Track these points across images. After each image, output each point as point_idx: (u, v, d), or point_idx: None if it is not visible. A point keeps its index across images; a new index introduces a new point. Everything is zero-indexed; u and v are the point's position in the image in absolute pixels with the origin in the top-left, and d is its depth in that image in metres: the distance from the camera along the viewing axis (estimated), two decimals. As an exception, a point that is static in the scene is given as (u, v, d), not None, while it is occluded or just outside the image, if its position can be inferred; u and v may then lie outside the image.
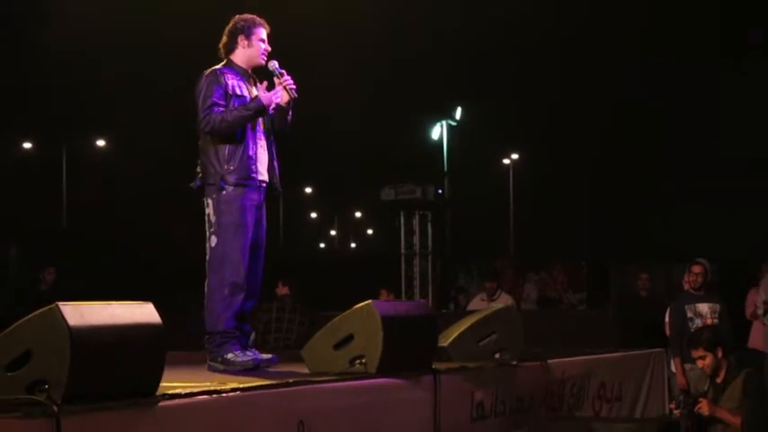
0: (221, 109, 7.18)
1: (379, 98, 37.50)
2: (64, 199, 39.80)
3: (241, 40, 7.44)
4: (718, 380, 8.51)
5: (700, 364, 8.62)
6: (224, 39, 7.50)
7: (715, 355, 8.47)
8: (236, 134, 7.21)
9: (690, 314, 11.45)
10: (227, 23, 7.52)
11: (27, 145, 41.14)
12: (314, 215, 66.54)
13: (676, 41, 36.22)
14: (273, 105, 7.29)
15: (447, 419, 7.10)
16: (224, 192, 7.17)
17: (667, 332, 11.89)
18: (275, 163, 7.51)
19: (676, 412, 8.72)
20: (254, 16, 7.54)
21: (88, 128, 41.34)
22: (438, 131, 22.52)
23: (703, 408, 8.37)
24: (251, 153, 7.24)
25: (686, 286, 11.87)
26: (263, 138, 7.42)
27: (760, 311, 11.71)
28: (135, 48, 29.29)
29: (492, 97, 38.42)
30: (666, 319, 11.97)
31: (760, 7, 33.07)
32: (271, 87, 7.50)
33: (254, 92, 7.41)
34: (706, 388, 8.63)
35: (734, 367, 8.53)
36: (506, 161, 48.41)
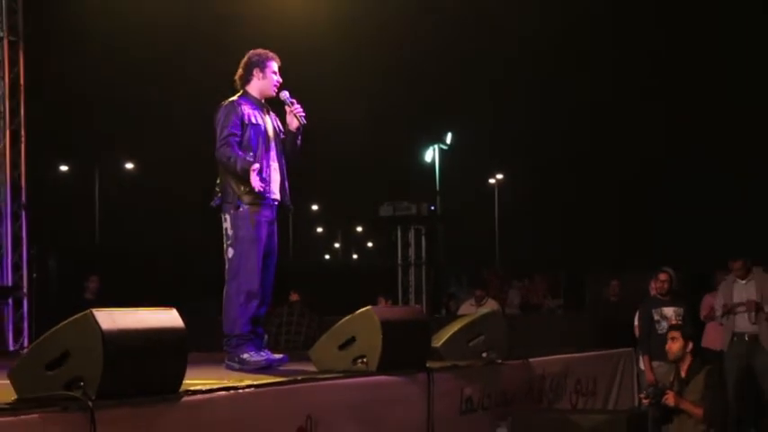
0: (237, 138, 7.17)
1: (378, 125, 37.55)
2: (97, 216, 39.83)
3: (256, 73, 7.43)
4: (683, 374, 8.59)
5: (669, 345, 8.75)
6: (240, 71, 7.49)
7: (685, 345, 8.63)
8: (252, 158, 7.21)
9: (656, 317, 11.47)
10: (243, 57, 7.51)
11: (64, 168, 41.18)
12: (320, 230, 66.40)
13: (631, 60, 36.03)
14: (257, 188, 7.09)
15: (439, 412, 7.10)
16: (240, 209, 7.18)
17: (636, 333, 11.90)
18: (286, 183, 7.51)
19: (645, 402, 8.77)
20: (268, 51, 7.53)
21: (118, 152, 41.41)
22: (431, 154, 22.49)
23: (669, 399, 8.45)
24: (264, 176, 7.23)
25: (653, 292, 11.92)
26: (275, 159, 7.40)
27: (718, 314, 11.70)
28: (160, 79, 29.31)
29: (479, 124, 38.46)
30: (635, 322, 11.98)
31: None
32: (282, 116, 7.53)
33: (267, 120, 7.42)
34: (671, 380, 8.67)
35: (697, 364, 8.60)
36: (492, 181, 48.45)
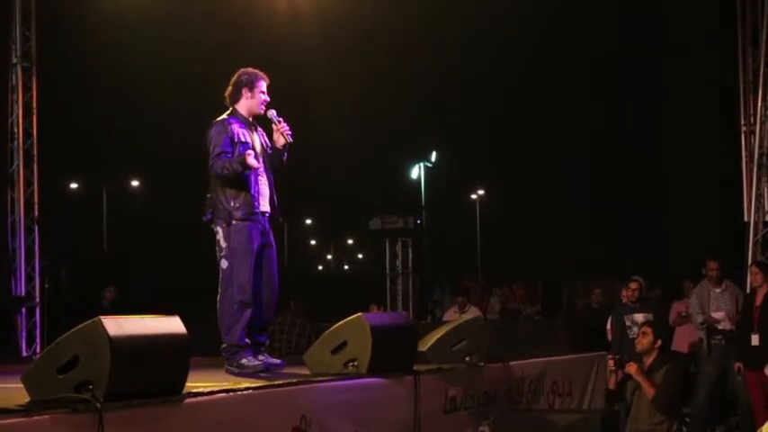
0: (229, 156, 7.08)
1: (367, 144, 37.62)
2: (104, 230, 39.84)
3: (245, 92, 7.30)
4: (645, 367, 8.70)
5: (639, 338, 8.88)
6: (229, 89, 7.36)
7: (654, 341, 8.73)
8: (241, 175, 7.15)
9: (628, 323, 11.47)
10: (233, 75, 7.40)
11: (73, 185, 41.19)
12: (313, 242, 66.35)
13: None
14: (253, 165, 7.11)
15: (425, 412, 7.10)
16: (232, 223, 7.08)
17: (609, 338, 11.91)
18: (275, 197, 7.40)
19: (610, 364, 8.86)
20: (257, 70, 7.40)
21: (125, 171, 41.43)
22: (417, 171, 22.60)
23: (631, 368, 8.62)
24: (253, 192, 7.14)
25: (624, 299, 11.92)
26: (263, 174, 7.28)
27: (698, 320, 11.53)
28: (165, 101, 29.31)
29: (461, 143, 38.56)
30: (608, 327, 11.99)
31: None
32: (269, 133, 7.47)
33: (255, 137, 7.33)
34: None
35: (660, 361, 8.68)
36: (474, 196, 48.61)
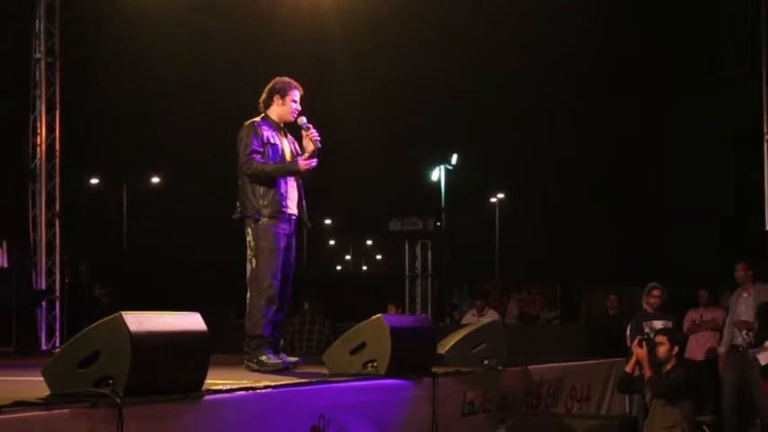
0: (260, 156, 7.27)
1: (388, 147, 37.64)
2: (124, 225, 39.99)
3: (277, 99, 7.53)
4: (663, 374, 8.76)
5: (657, 347, 8.91)
6: (263, 95, 7.59)
7: (671, 348, 8.83)
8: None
9: (647, 329, 11.41)
10: (269, 82, 7.60)
11: (94, 181, 41.34)
12: (332, 242, 66.40)
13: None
14: (307, 168, 7.35)
15: (443, 414, 7.10)
16: (260, 222, 7.25)
17: (628, 343, 11.86)
18: (304, 201, 7.58)
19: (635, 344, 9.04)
20: (291, 80, 7.63)
21: (145, 167, 41.59)
22: (437, 174, 22.54)
23: (638, 351, 8.87)
24: (282, 191, 7.33)
25: (645, 305, 11.87)
26: (293, 179, 7.48)
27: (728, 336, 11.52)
28: (185, 97, 29.39)
29: (482, 146, 38.49)
30: (627, 333, 11.95)
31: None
32: (298, 139, 7.60)
33: (284, 142, 7.49)
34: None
35: (677, 367, 8.73)
36: (493, 199, 48.57)
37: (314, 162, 7.38)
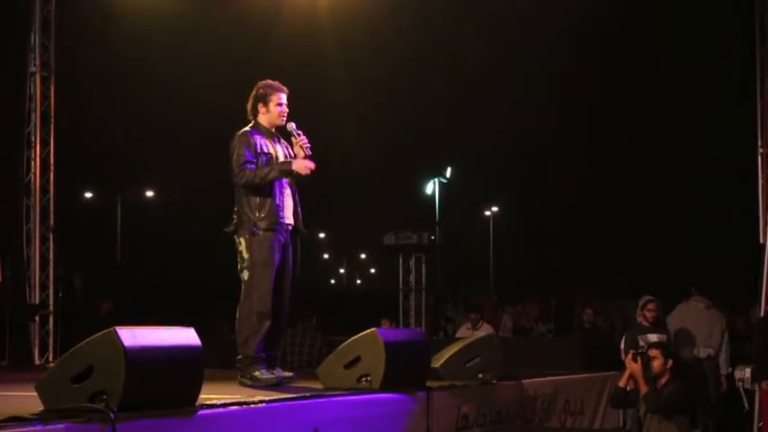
0: (253, 166, 7.19)
1: (382, 160, 37.66)
2: (118, 239, 39.94)
3: (260, 107, 7.42)
4: (659, 386, 8.71)
5: (652, 360, 8.98)
6: (249, 103, 7.48)
7: (665, 362, 8.92)
8: (266, 186, 7.23)
9: (642, 342, 11.43)
10: (252, 89, 7.50)
11: (88, 194, 41.32)
12: (326, 256, 66.35)
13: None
14: (307, 173, 7.28)
15: (437, 428, 7.09)
16: (256, 234, 7.18)
17: (622, 357, 11.86)
18: (299, 209, 7.50)
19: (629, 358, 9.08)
20: (274, 82, 7.47)
21: (139, 181, 41.56)
22: (431, 187, 22.52)
23: (632, 365, 8.95)
24: (278, 202, 7.24)
25: (640, 319, 11.86)
26: (288, 187, 7.39)
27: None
28: (179, 110, 29.38)
29: (476, 159, 38.53)
30: (621, 346, 11.94)
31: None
32: (292, 143, 7.54)
33: (278, 148, 7.41)
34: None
35: (672, 379, 8.73)
36: (487, 213, 48.61)
37: (312, 164, 7.29)
